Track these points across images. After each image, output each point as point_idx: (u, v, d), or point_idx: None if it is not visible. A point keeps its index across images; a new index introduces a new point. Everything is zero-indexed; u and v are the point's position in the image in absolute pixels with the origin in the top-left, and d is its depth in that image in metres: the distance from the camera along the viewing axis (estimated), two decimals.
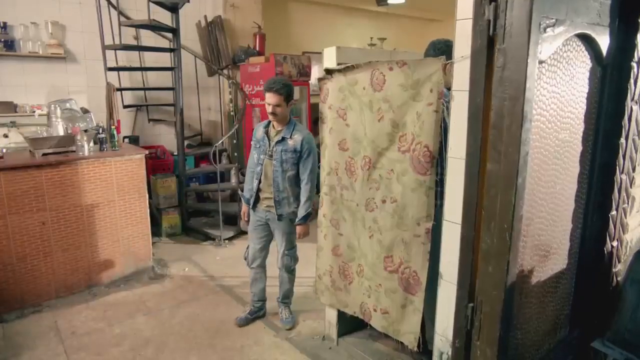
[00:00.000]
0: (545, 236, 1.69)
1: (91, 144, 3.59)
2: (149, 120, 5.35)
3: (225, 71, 5.56)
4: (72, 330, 2.99)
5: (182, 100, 4.77)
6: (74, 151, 3.49)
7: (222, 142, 5.41)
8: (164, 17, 4.64)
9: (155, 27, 4.54)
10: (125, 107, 5.00)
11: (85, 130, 3.60)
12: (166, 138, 5.51)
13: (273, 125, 2.80)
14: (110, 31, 4.52)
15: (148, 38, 5.17)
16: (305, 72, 5.27)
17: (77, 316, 3.17)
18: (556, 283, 1.86)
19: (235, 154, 5.07)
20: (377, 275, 2.30)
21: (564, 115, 1.68)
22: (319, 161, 2.65)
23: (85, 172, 3.40)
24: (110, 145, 3.69)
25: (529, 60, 1.34)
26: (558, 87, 1.60)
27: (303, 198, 2.79)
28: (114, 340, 2.87)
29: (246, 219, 3.05)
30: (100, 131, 3.64)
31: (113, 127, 3.84)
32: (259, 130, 2.86)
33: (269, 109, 2.67)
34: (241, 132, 5.39)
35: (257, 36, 5.71)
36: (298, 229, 2.85)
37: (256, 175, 2.84)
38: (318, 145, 2.62)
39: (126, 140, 4.95)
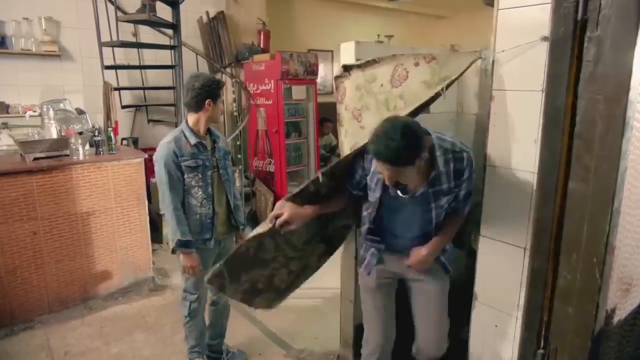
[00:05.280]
0: (629, 266, 1.44)
1: (87, 147, 3.40)
2: (149, 120, 5.15)
3: (228, 69, 5.36)
4: (66, 349, 2.78)
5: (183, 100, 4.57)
6: (68, 155, 3.28)
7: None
8: (163, 12, 4.44)
9: (155, 23, 4.36)
10: (123, 107, 4.81)
11: (80, 133, 3.42)
12: None
13: (197, 133, 2.26)
14: (108, 27, 4.31)
15: (147, 35, 4.96)
16: (312, 71, 5.06)
17: (71, 333, 2.97)
18: (634, 320, 1.60)
19: (239, 156, 4.90)
20: None
21: None
22: None
23: (80, 178, 3.20)
24: (107, 149, 3.49)
25: (636, 52, 1.08)
26: None
27: (238, 201, 2.47)
28: None
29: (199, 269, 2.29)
30: (97, 133, 3.45)
31: (110, 128, 3.65)
32: (181, 147, 2.18)
33: None
34: (245, 133, 5.19)
35: (262, 33, 5.55)
36: (244, 235, 2.46)
37: (206, 202, 2.26)
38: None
39: (124, 142, 4.75)
